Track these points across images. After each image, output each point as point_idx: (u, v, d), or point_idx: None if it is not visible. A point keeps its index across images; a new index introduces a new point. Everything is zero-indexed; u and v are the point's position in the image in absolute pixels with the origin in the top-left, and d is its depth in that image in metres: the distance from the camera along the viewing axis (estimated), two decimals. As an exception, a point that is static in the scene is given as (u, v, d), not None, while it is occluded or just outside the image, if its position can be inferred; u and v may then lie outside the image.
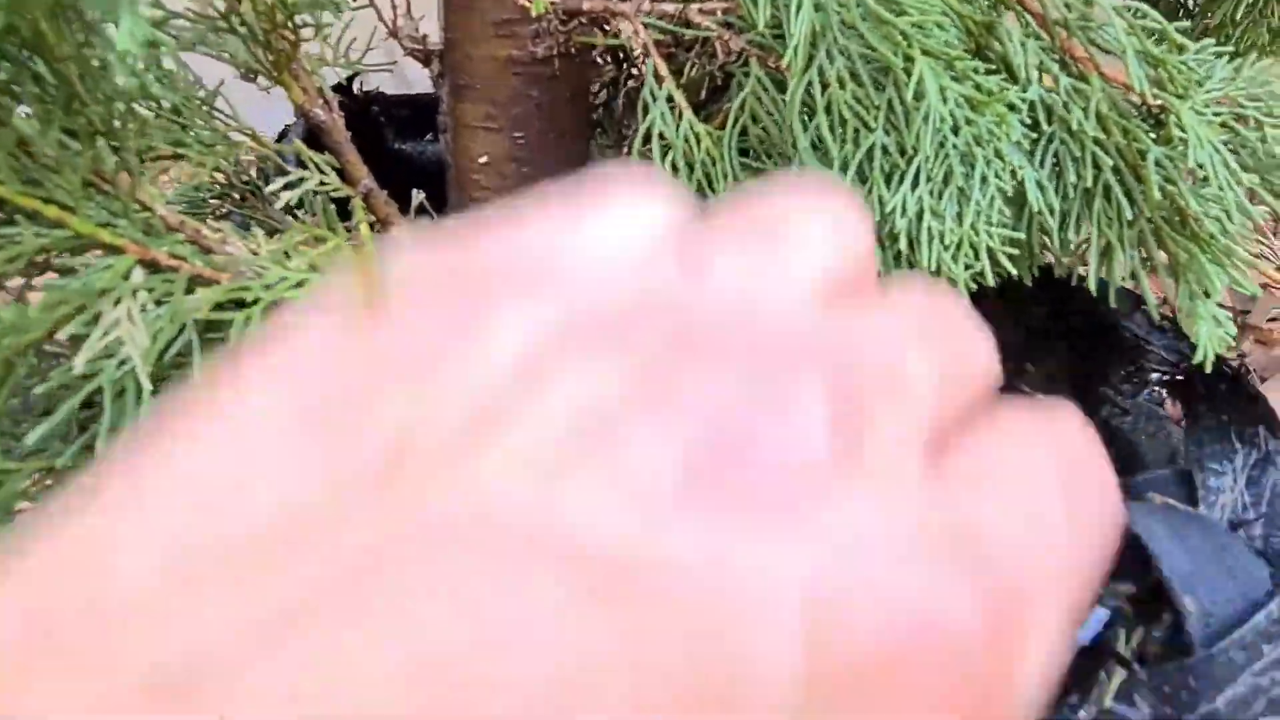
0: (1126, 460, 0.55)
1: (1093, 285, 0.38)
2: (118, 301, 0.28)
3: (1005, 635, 0.15)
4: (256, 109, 0.44)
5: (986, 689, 0.15)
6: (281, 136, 0.61)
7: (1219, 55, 0.36)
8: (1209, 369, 0.39)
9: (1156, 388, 0.57)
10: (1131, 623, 0.40)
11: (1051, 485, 0.16)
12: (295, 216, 0.38)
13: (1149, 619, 0.40)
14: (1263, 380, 0.86)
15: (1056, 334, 0.61)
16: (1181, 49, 0.35)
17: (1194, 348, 0.54)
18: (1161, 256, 0.40)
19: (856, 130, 0.35)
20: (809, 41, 0.33)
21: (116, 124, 0.29)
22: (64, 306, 0.27)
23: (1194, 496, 0.51)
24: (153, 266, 0.31)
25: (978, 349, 0.19)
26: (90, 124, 0.29)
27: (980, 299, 0.63)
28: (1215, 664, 0.37)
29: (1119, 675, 0.36)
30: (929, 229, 0.36)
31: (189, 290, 0.31)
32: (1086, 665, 0.37)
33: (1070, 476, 0.17)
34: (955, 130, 0.34)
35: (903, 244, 0.36)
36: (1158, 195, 0.36)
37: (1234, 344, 0.41)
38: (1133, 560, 0.40)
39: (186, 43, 0.33)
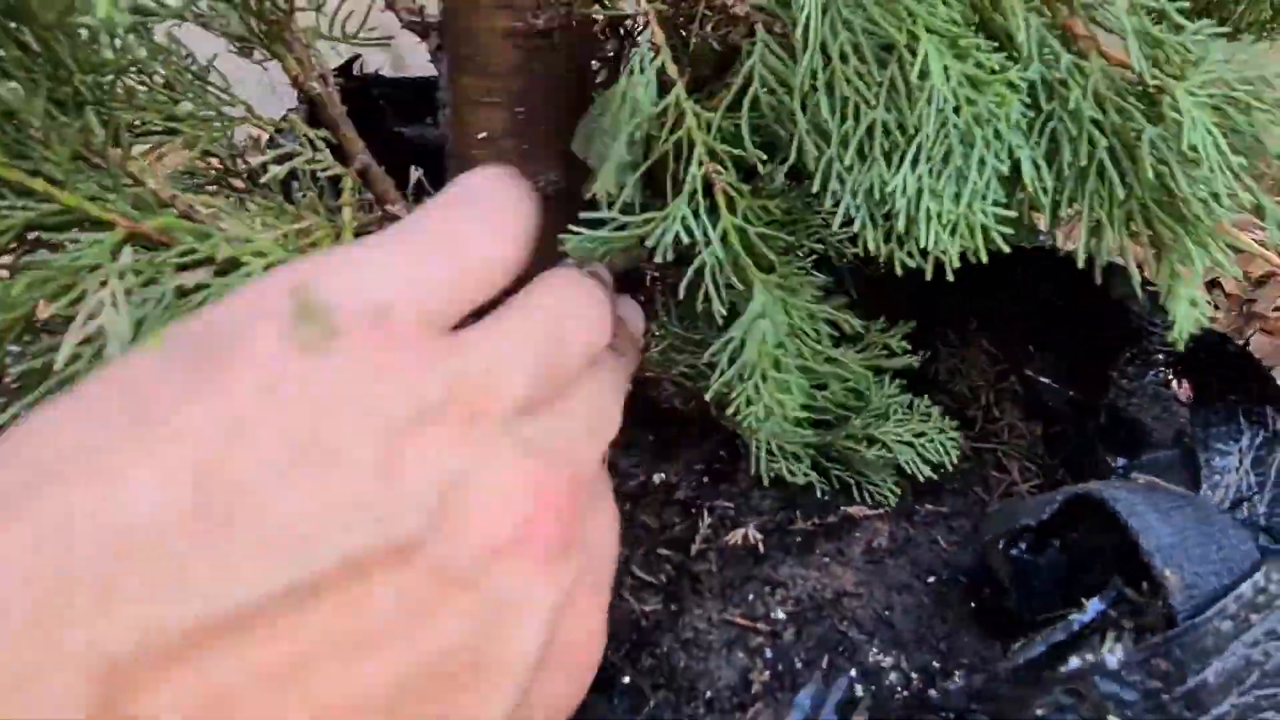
0: (1134, 441, 0.54)
1: (1080, 261, 0.38)
2: (104, 283, 0.28)
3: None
4: (269, 95, 0.44)
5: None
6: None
7: (1215, 36, 0.36)
8: (1182, 348, 0.39)
9: (1163, 369, 0.56)
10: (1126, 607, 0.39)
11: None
12: (289, 196, 0.37)
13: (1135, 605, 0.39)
14: (1269, 369, 0.86)
15: (1062, 319, 0.60)
16: (1180, 29, 0.35)
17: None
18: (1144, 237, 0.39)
19: (858, 106, 0.35)
20: (820, 8, 0.32)
21: (104, 95, 0.28)
22: (49, 284, 0.27)
23: (1198, 477, 0.50)
24: (142, 241, 0.30)
25: (578, 345, 0.32)
26: (78, 94, 0.28)
27: (986, 282, 0.62)
28: (1201, 635, 0.36)
29: (1110, 637, 0.36)
30: (927, 209, 0.35)
31: (179, 268, 0.30)
32: (1080, 640, 0.37)
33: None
34: (956, 110, 0.33)
35: (900, 223, 0.36)
36: (1151, 176, 0.35)
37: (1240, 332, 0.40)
38: (1120, 546, 0.40)
39: (175, 11, 0.32)
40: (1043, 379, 0.59)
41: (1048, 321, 0.60)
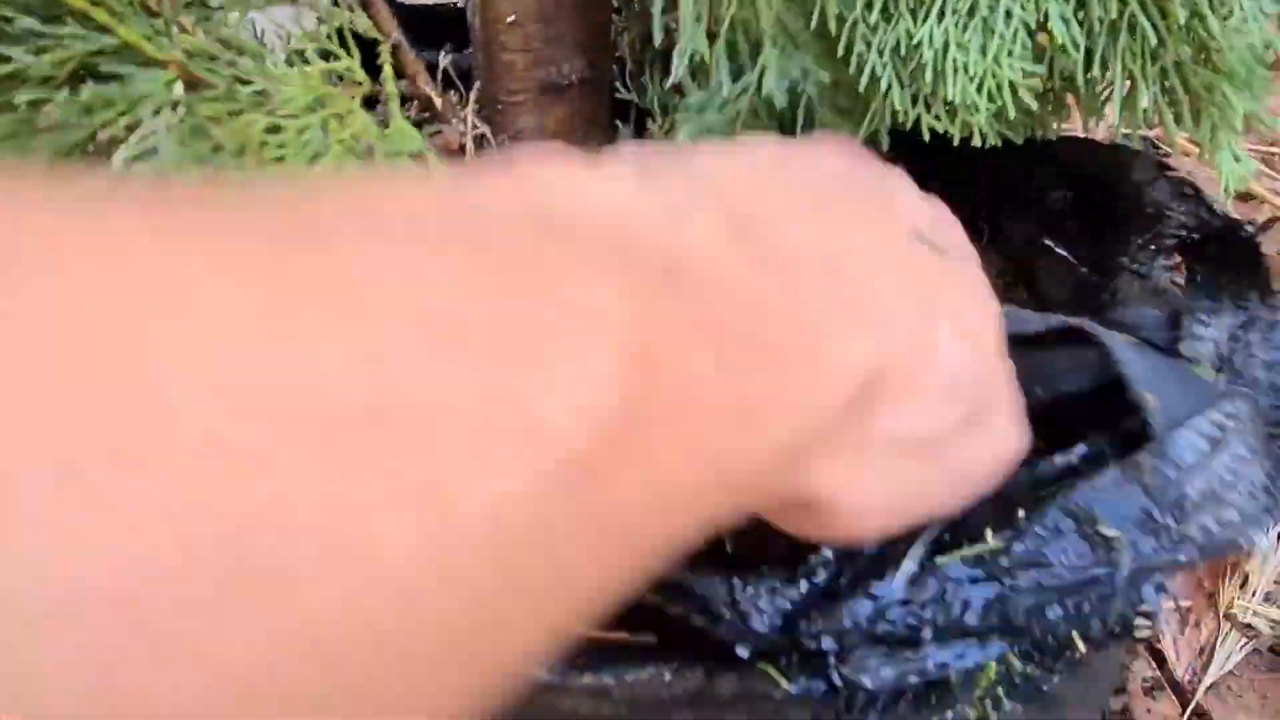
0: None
1: (1116, 118, 0.39)
2: (158, 111, 0.29)
3: None
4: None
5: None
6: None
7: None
8: (1230, 201, 0.39)
9: (1174, 254, 0.56)
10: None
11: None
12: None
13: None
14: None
15: (1074, 213, 0.61)
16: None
17: (1212, 212, 0.54)
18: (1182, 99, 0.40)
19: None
20: None
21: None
22: (110, 108, 0.28)
23: (1178, 340, 0.51)
24: (192, 85, 0.31)
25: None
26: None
27: (998, 178, 0.63)
28: (1180, 447, 0.36)
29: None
30: (954, 61, 0.36)
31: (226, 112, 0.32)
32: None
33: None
34: (982, -40, 0.34)
35: (928, 76, 0.37)
36: (1182, 25, 0.36)
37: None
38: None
39: None
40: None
41: (1061, 219, 0.61)
